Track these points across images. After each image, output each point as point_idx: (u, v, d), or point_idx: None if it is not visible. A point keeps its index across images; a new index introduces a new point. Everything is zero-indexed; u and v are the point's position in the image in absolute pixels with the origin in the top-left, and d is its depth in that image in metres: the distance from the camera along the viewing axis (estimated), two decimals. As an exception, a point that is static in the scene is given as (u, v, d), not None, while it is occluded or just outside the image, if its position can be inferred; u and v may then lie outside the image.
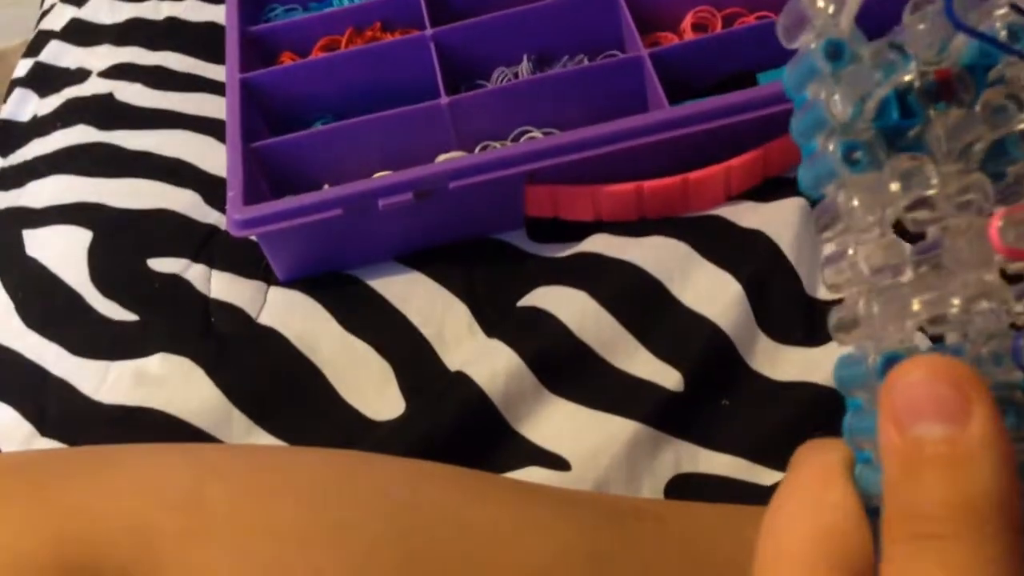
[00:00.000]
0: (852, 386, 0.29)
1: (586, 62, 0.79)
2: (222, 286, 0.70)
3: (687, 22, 0.79)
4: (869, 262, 0.29)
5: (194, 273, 0.71)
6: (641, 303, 0.63)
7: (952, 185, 0.28)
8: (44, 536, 0.39)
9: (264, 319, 0.67)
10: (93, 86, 0.89)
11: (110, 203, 0.76)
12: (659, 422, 0.58)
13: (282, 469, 0.44)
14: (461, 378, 0.60)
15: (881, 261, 0.29)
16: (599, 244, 0.67)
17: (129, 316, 0.69)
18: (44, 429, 0.64)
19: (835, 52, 0.28)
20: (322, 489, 0.42)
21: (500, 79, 0.79)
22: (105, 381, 0.65)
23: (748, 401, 0.60)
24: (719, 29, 0.78)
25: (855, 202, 0.28)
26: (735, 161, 0.67)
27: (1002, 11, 0.28)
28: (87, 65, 0.92)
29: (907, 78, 0.28)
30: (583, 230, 0.69)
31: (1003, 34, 0.29)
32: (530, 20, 0.77)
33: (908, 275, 0.28)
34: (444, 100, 0.71)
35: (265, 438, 0.61)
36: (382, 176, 0.66)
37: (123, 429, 0.62)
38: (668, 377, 0.60)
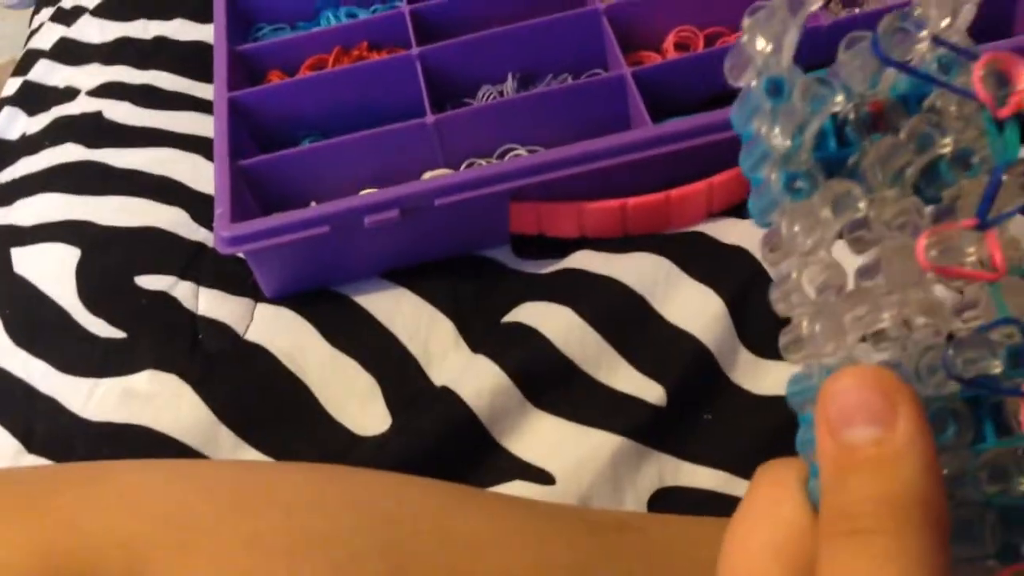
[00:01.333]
0: (803, 402, 0.31)
1: (570, 80, 0.80)
2: (209, 303, 0.70)
3: (669, 41, 0.80)
4: (812, 283, 0.30)
5: (182, 290, 0.71)
6: (624, 319, 0.64)
7: (888, 210, 0.30)
8: (33, 551, 0.39)
9: (251, 336, 0.68)
10: (82, 105, 0.89)
11: (98, 221, 0.77)
12: (642, 436, 0.59)
13: (267, 483, 0.45)
14: (446, 393, 0.61)
15: (822, 282, 0.30)
16: (583, 260, 0.68)
17: (117, 333, 0.69)
18: (31, 446, 0.64)
19: (775, 89, 0.30)
20: (307, 502, 0.43)
21: (485, 97, 0.80)
22: (92, 398, 0.66)
23: (730, 415, 0.60)
24: (701, 48, 0.80)
25: (796, 227, 0.30)
26: (717, 178, 0.68)
27: (923, 45, 0.29)
28: (76, 84, 0.93)
29: (836, 109, 0.29)
30: (568, 246, 0.70)
31: (935, 67, 0.30)
32: (515, 39, 0.78)
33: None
34: (430, 118, 0.72)
35: (252, 454, 0.62)
36: (368, 193, 0.67)
37: (110, 446, 0.62)
38: (651, 391, 0.60)
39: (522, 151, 0.76)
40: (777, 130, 0.30)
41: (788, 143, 0.30)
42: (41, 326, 0.71)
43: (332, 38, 0.83)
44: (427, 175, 0.74)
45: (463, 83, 0.80)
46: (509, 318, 0.66)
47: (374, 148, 0.73)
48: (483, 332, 0.66)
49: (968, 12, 0.30)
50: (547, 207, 0.68)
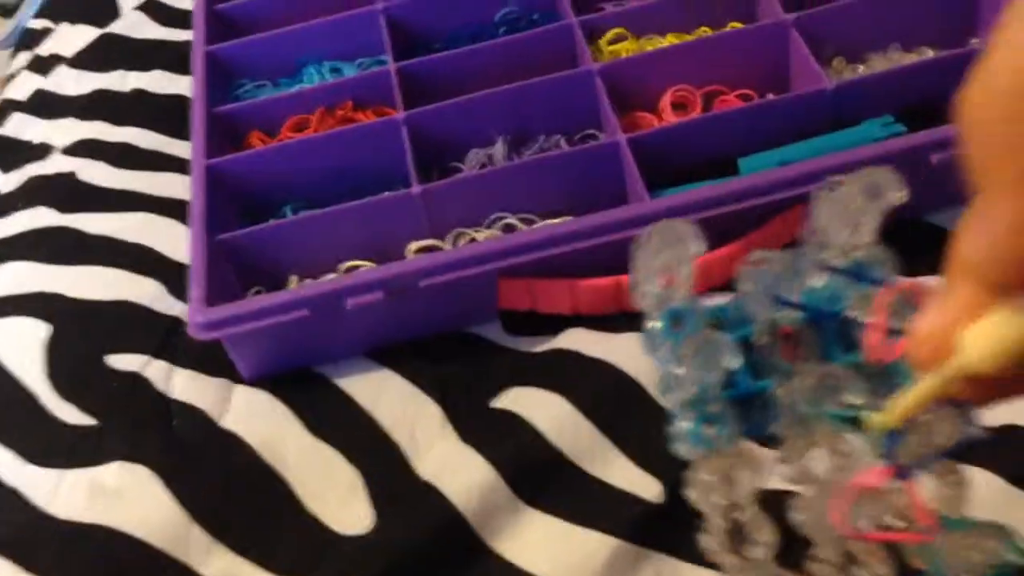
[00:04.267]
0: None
1: (563, 142, 0.77)
2: (184, 385, 0.67)
3: (666, 100, 0.77)
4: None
5: (155, 371, 0.68)
6: (619, 406, 0.61)
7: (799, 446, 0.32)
8: None
9: (227, 422, 0.65)
10: (56, 164, 0.86)
11: (69, 293, 0.73)
12: (639, 536, 0.56)
13: None
14: (432, 491, 0.58)
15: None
16: (576, 340, 0.65)
17: (86, 420, 0.66)
18: (-7, 545, 0.61)
19: (676, 320, 0.32)
20: None
21: (475, 161, 0.77)
22: (59, 492, 0.62)
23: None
24: (699, 108, 0.77)
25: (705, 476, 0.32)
26: (715, 254, 0.65)
27: (817, 279, 0.31)
28: (50, 140, 0.90)
29: (733, 366, 0.31)
30: (560, 323, 0.67)
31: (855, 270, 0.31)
32: (505, 101, 0.75)
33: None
34: (416, 189, 0.68)
35: (225, 555, 0.58)
36: (350, 272, 0.64)
37: (77, 548, 0.59)
38: (648, 487, 0.57)
39: (513, 219, 0.72)
40: (681, 371, 0.31)
41: (694, 388, 0.31)
42: (8, 410, 0.67)
43: (315, 97, 0.80)
44: (413, 246, 0.71)
45: (452, 146, 0.77)
46: (499, 404, 0.62)
47: (358, 220, 0.70)
48: (472, 418, 0.63)
49: (870, 223, 0.30)
50: (539, 284, 0.65)
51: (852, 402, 0.29)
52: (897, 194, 0.29)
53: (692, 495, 0.32)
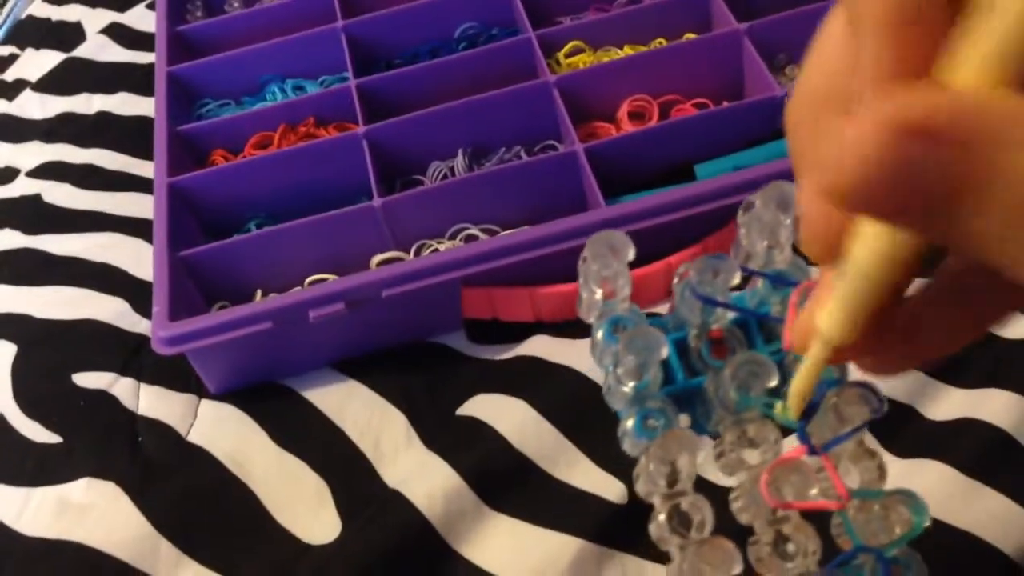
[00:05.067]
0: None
1: (523, 153, 0.78)
2: (151, 401, 0.67)
3: (623, 110, 0.78)
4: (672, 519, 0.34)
5: (121, 388, 0.68)
6: (581, 411, 0.61)
7: (730, 433, 0.33)
8: None
9: (194, 437, 0.65)
10: (21, 187, 0.86)
11: (35, 314, 0.74)
12: (603, 537, 0.56)
13: None
14: (398, 498, 0.58)
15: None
16: (538, 347, 0.66)
17: (52, 438, 0.66)
18: (-38, 562, 0.61)
19: (616, 328, 0.34)
20: None
21: (436, 174, 0.78)
22: (27, 509, 0.62)
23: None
24: (655, 118, 0.78)
25: (651, 467, 0.33)
26: (674, 258, 0.66)
27: (736, 279, 0.32)
28: (15, 164, 0.90)
29: (664, 352, 0.32)
30: (523, 330, 0.67)
31: (775, 275, 0.33)
32: (464, 114, 0.76)
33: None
34: (377, 202, 0.69)
35: (194, 568, 0.59)
36: (313, 285, 0.65)
37: (45, 564, 0.59)
38: (611, 489, 0.58)
39: (474, 230, 0.73)
40: (621, 370, 0.32)
41: (633, 384, 0.32)
42: (-26, 431, 0.67)
43: (277, 115, 0.80)
44: (376, 259, 0.72)
45: (413, 159, 0.78)
46: (463, 411, 0.63)
47: (321, 233, 0.70)
48: (437, 425, 0.64)
49: (785, 233, 0.32)
50: (500, 292, 0.66)
51: (773, 387, 0.30)
52: None
53: (638, 487, 0.33)
